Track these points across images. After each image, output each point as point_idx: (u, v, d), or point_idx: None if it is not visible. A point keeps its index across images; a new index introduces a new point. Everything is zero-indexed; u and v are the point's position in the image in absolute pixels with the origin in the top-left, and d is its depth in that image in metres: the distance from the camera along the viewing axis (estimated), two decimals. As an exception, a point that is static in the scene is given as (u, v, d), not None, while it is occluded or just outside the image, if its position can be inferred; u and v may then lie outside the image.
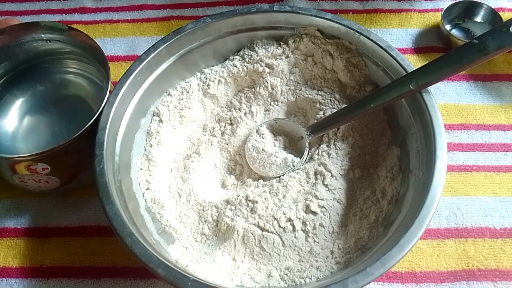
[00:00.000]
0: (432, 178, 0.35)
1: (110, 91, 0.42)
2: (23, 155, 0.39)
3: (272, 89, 0.48)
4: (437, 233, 0.42)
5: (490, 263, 0.41)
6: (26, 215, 0.45)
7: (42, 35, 0.47)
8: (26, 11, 0.62)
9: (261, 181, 0.44)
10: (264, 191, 0.43)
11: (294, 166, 0.44)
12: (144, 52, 0.44)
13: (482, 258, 0.41)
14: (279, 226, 0.40)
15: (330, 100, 0.47)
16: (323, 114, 0.46)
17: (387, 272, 0.33)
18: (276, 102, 0.49)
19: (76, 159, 0.42)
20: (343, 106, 0.45)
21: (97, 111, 0.40)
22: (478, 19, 0.55)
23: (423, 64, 0.40)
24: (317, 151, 0.45)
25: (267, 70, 0.48)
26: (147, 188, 0.42)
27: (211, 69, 0.49)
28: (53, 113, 0.49)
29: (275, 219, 0.40)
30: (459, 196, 0.44)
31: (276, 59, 0.48)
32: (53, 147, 0.39)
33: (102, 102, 0.41)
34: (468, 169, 0.46)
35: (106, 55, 0.43)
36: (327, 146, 0.45)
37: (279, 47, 0.48)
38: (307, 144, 0.45)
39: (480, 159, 0.46)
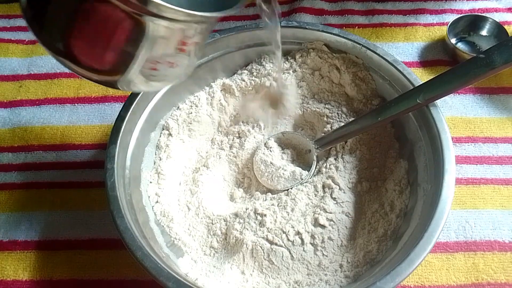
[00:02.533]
0: (440, 191, 0.36)
1: None
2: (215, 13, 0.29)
3: (280, 102, 0.49)
4: (446, 246, 0.42)
5: (499, 276, 0.41)
6: (36, 228, 0.45)
7: None
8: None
9: (269, 194, 0.45)
10: (273, 204, 0.43)
11: (302, 179, 0.44)
12: (154, 67, 0.45)
13: (491, 272, 0.41)
14: (288, 239, 0.40)
15: (338, 113, 0.47)
16: (331, 128, 0.46)
17: (396, 286, 0.33)
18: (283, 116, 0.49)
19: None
20: (350, 120, 0.46)
21: None
22: (484, 32, 0.56)
23: (429, 78, 0.40)
24: (325, 164, 0.45)
25: (275, 84, 0.48)
26: (157, 201, 0.43)
27: (219, 83, 0.49)
28: None
29: (284, 232, 0.40)
30: (468, 209, 0.44)
31: (283, 73, 0.49)
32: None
33: None
34: (476, 182, 0.46)
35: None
36: (335, 159, 0.45)
37: (287, 62, 0.49)
38: (314, 157, 0.46)
39: (488, 172, 0.46)
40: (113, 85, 0.31)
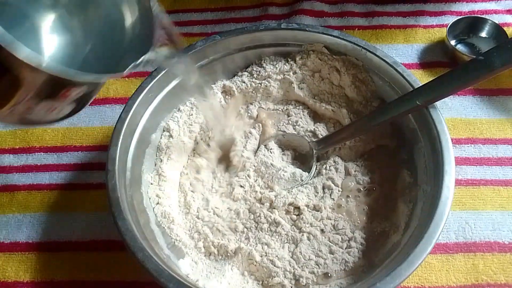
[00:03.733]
0: (440, 192, 0.36)
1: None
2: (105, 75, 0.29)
3: (280, 104, 0.49)
4: (446, 247, 0.42)
5: (499, 277, 0.41)
6: (37, 229, 0.45)
7: None
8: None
9: (270, 195, 0.45)
10: (273, 206, 0.43)
11: (302, 180, 0.45)
12: (155, 69, 0.45)
13: (491, 273, 0.41)
14: (288, 240, 0.40)
15: (338, 115, 0.47)
16: (331, 129, 0.47)
17: (396, 287, 0.33)
18: (284, 117, 0.49)
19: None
20: (350, 121, 0.46)
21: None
22: (483, 34, 0.56)
23: (429, 80, 0.41)
24: (325, 165, 0.45)
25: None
26: (157, 203, 0.43)
27: (220, 85, 0.49)
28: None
29: (284, 233, 0.40)
30: (467, 210, 0.44)
31: (284, 75, 0.49)
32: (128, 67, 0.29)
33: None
34: (475, 183, 0.46)
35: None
36: (335, 160, 0.45)
37: (287, 63, 0.49)
38: (314, 159, 0.46)
39: (487, 173, 0.46)
40: None
